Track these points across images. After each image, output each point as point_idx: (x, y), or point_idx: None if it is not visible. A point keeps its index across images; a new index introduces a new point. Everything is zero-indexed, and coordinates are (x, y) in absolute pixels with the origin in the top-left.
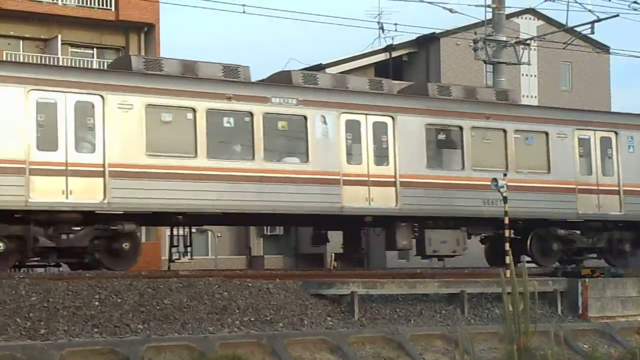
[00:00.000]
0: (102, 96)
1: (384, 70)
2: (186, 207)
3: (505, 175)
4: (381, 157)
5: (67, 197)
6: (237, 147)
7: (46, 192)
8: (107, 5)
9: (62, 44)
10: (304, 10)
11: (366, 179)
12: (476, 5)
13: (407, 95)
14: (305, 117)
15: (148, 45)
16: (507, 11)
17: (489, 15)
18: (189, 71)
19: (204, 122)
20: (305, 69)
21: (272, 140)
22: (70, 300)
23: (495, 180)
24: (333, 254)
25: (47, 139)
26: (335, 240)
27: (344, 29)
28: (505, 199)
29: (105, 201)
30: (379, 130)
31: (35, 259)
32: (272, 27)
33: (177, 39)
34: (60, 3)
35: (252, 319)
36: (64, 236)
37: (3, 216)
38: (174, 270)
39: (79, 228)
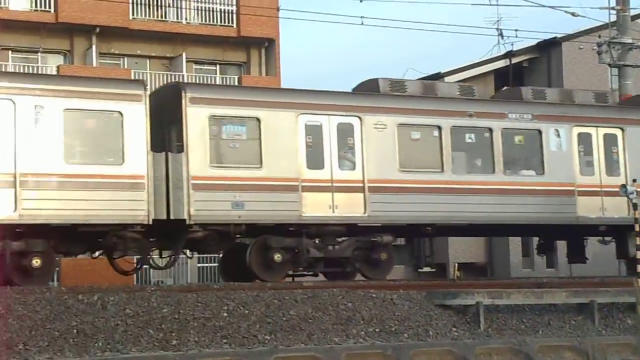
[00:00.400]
0: (360, 117)
1: (504, 77)
2: (436, 219)
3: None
4: (611, 167)
5: (333, 211)
6: (478, 162)
7: (315, 207)
8: (228, 23)
9: (186, 61)
10: (421, 19)
11: (599, 189)
12: (600, 8)
13: (635, 106)
14: (539, 131)
15: (269, 59)
16: (632, 12)
17: (613, 18)
18: (429, 91)
19: (448, 139)
20: (424, 77)
21: (510, 154)
22: (199, 312)
23: (624, 186)
24: (456, 264)
25: (315, 158)
26: (458, 248)
27: (462, 36)
28: (635, 206)
29: (366, 214)
30: (610, 141)
31: (300, 268)
32: (390, 38)
33: (295, 52)
34: (184, 22)
35: (377, 329)
36: (330, 247)
37: (280, 230)
38: (297, 282)
39: (342, 239)
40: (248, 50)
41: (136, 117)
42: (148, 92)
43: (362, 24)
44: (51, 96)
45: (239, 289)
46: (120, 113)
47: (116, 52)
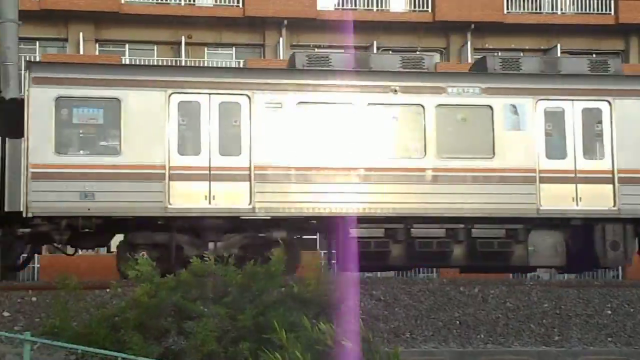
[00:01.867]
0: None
1: None
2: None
3: None
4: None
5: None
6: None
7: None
8: (605, 10)
9: (560, 52)
10: None
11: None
12: None
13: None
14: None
15: None
16: None
17: None
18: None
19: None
20: None
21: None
22: (581, 308)
23: None
24: None
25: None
26: None
27: None
28: None
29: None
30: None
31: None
32: None
33: None
34: (559, 12)
35: None
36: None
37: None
38: None
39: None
40: (627, 38)
41: None
42: None
43: None
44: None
45: (622, 287)
46: None
47: (490, 47)
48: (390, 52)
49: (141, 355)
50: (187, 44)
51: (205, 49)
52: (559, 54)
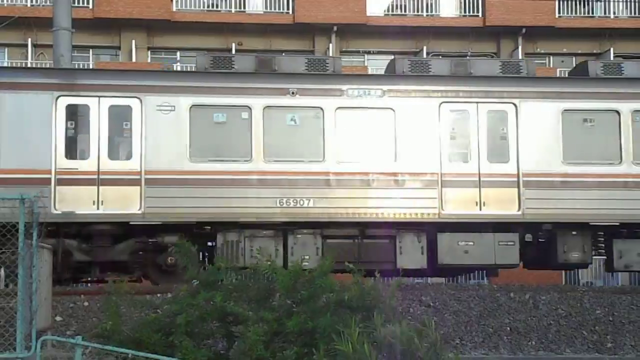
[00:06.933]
0: (98, 98)
1: None
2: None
3: None
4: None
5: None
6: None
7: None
8: None
9: (614, 56)
10: None
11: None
12: None
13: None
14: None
15: None
16: None
17: None
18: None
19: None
20: None
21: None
22: (635, 315)
23: None
24: None
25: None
26: None
27: None
28: None
29: (140, 211)
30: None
31: None
32: None
33: None
34: (612, 16)
35: None
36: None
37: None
38: None
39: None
40: None
41: None
42: None
43: None
44: None
45: None
46: None
47: (542, 51)
48: (440, 57)
49: (190, 359)
50: (237, 50)
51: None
52: (611, 58)
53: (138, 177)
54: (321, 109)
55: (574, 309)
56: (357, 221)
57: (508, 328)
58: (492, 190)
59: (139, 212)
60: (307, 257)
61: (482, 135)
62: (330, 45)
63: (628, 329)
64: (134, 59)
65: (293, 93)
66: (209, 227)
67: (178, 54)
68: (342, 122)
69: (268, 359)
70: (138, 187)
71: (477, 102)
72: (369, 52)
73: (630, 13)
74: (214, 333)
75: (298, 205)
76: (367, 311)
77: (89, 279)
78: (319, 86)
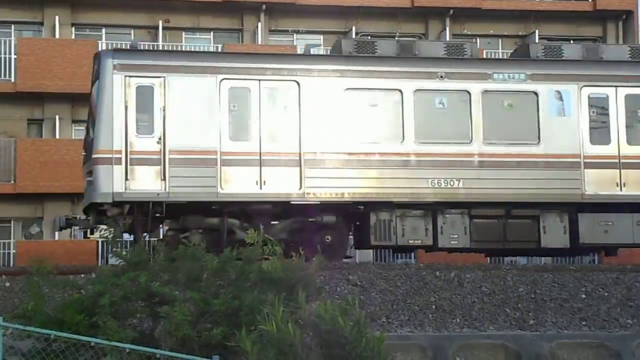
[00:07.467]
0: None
1: None
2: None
3: None
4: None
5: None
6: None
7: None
8: None
9: (539, 38)
10: None
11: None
12: None
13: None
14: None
15: (626, 33)
16: None
17: None
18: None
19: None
20: None
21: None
22: (556, 293)
23: None
24: None
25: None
26: None
27: None
28: None
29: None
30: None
31: None
32: None
33: None
34: None
35: None
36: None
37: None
38: None
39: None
40: (604, 24)
41: None
42: None
43: None
44: None
45: (596, 271)
46: None
47: (468, 32)
48: (369, 37)
49: (115, 340)
50: (164, 28)
51: (183, 33)
52: (536, 40)
53: (297, 157)
54: (468, 92)
55: (497, 287)
56: (503, 201)
57: (433, 306)
58: (632, 172)
59: (300, 192)
60: (455, 235)
61: (620, 119)
62: (259, 24)
63: (549, 306)
64: (57, 35)
65: (442, 77)
66: (362, 207)
67: (104, 30)
68: (488, 105)
69: (194, 339)
70: (297, 168)
71: (615, 87)
72: (298, 32)
73: None
74: (140, 312)
75: (449, 185)
76: (291, 288)
77: None
78: (466, 70)
